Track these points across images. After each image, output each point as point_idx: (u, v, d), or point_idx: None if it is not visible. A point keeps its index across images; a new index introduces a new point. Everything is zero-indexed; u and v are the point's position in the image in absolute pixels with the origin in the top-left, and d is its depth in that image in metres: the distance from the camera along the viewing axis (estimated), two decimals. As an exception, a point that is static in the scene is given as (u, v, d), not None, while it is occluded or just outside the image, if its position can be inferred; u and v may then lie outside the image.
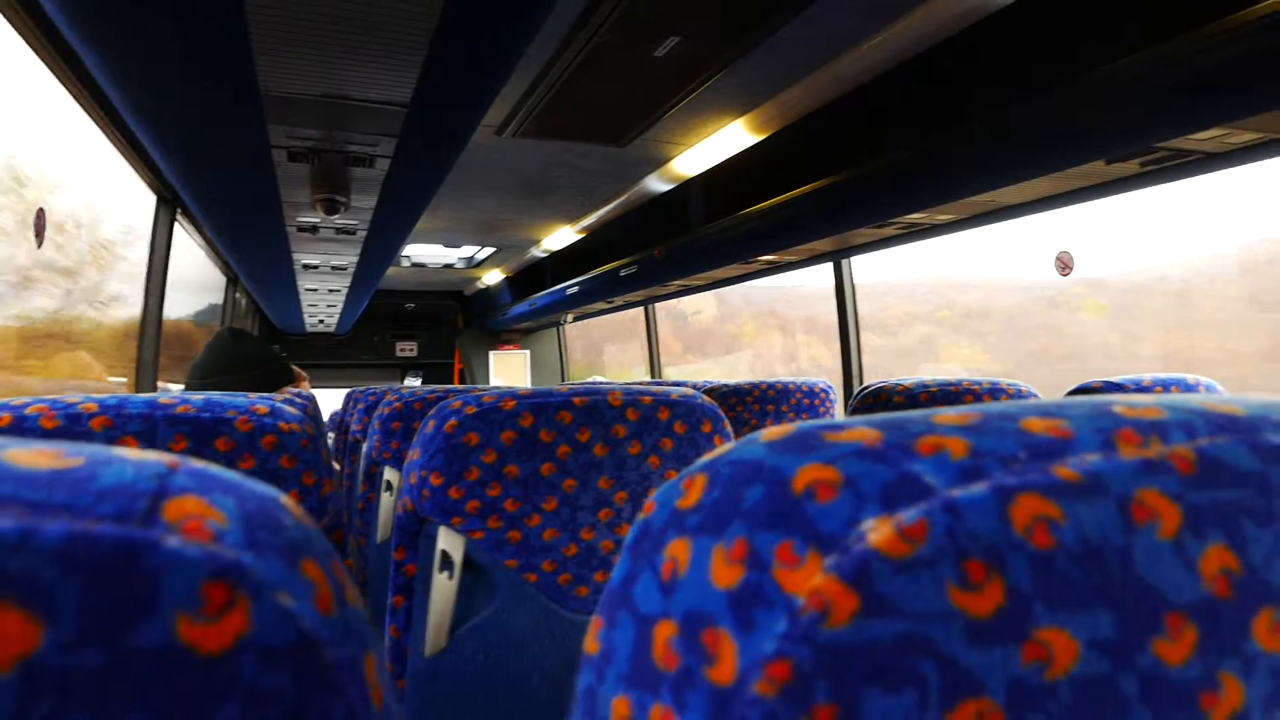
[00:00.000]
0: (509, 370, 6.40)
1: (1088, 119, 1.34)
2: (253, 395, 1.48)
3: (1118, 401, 0.29)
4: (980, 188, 1.67)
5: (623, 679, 0.27)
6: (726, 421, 1.02)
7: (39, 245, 1.71)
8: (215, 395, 0.88)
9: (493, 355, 6.42)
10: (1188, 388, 1.56)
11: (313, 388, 4.67)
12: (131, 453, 0.23)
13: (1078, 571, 0.24)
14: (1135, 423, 0.27)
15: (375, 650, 0.25)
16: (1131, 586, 0.24)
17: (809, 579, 0.23)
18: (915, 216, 2.10)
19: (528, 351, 6.42)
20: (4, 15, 1.33)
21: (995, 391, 1.56)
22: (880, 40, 1.72)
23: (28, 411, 0.80)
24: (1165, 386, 1.54)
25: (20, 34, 1.40)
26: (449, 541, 0.94)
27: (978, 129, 1.56)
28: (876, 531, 0.23)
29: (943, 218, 2.14)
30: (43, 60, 1.53)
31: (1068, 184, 1.76)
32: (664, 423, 0.97)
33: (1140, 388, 1.53)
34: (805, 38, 1.71)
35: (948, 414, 0.28)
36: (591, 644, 0.30)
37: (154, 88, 1.26)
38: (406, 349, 6.63)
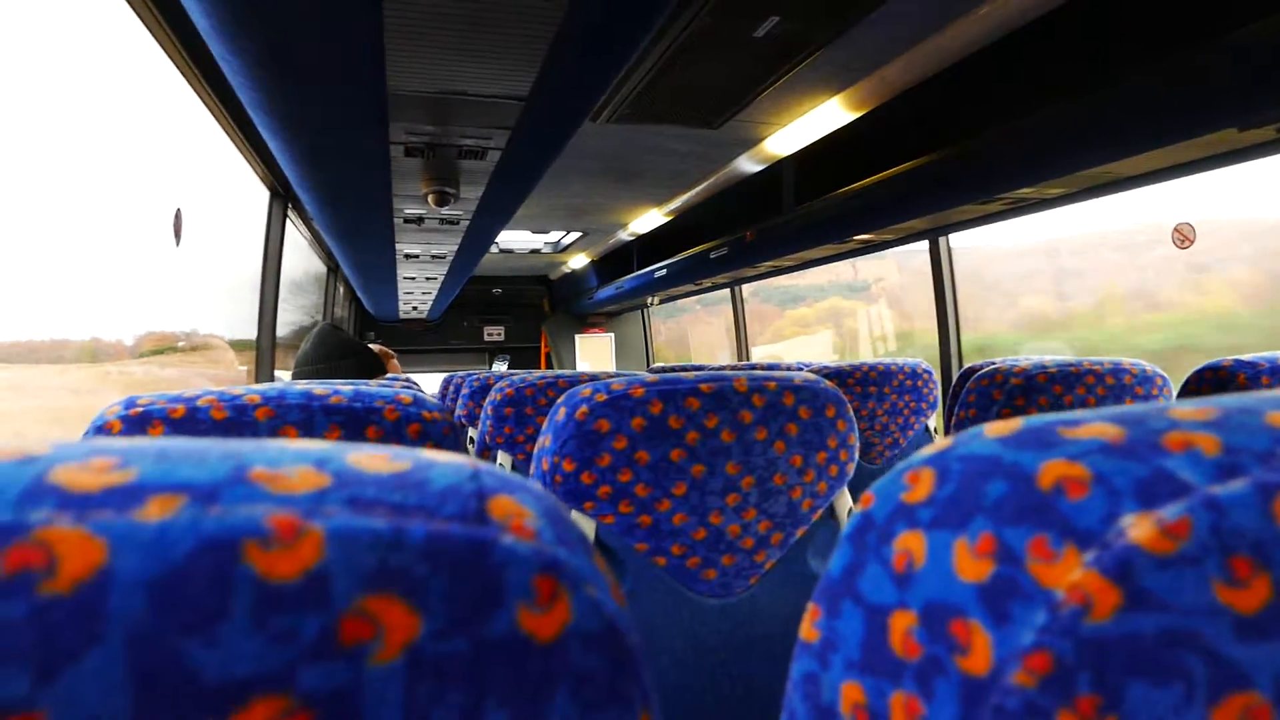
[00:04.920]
0: (595, 354, 6.48)
1: (1224, 84, 1.27)
2: (374, 383, 1.55)
3: None
4: (1101, 160, 1.60)
5: (853, 666, 0.29)
6: (849, 406, 1.02)
7: (177, 244, 1.83)
8: (361, 386, 0.92)
9: (578, 339, 6.51)
10: (1329, 366, 1.46)
11: (404, 372, 4.82)
12: (436, 454, 0.26)
13: None
14: None
15: None
16: None
17: (1068, 573, 0.24)
18: (1023, 191, 2.02)
19: (612, 335, 6.48)
20: (149, 30, 1.42)
21: (1118, 371, 1.50)
22: (986, 10, 1.66)
23: (199, 404, 0.86)
24: (1303, 364, 1.45)
25: (161, 45, 1.50)
26: (582, 525, 0.97)
27: (1096, 99, 1.50)
28: (1137, 528, 0.24)
29: (1053, 192, 2.06)
30: (179, 68, 1.63)
31: (1194, 152, 1.66)
32: (789, 408, 0.98)
33: (1275, 365, 1.44)
34: (907, 11, 1.66)
35: (1183, 409, 0.28)
36: (809, 631, 0.31)
37: (289, 94, 1.33)
38: (494, 333, 6.79)
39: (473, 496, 0.23)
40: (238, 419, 0.86)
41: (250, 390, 0.89)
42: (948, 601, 0.26)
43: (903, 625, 0.27)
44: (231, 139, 2.22)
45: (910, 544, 0.28)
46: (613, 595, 0.24)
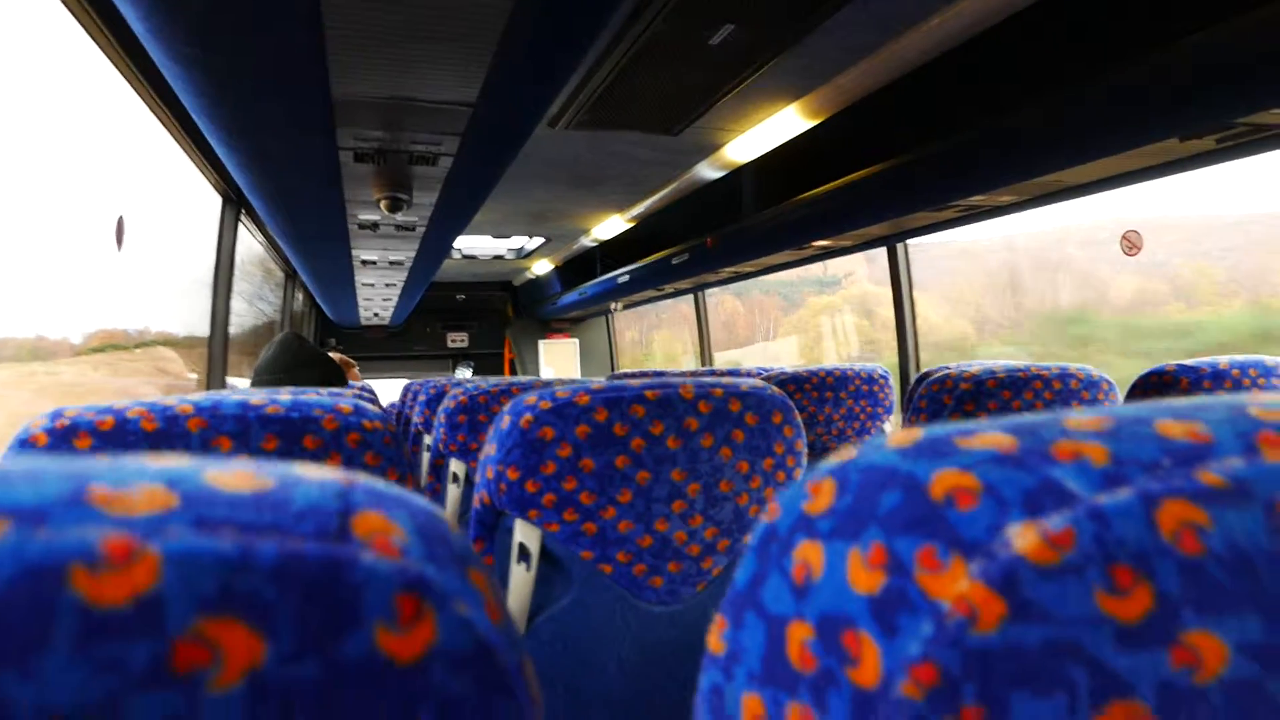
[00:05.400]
0: (559, 359, 6.46)
1: (1165, 95, 1.30)
2: (323, 391, 1.53)
3: (1250, 402, 0.29)
4: (1048, 168, 1.63)
5: (754, 678, 0.28)
6: (796, 412, 1.02)
7: (119, 249, 1.79)
8: (302, 396, 0.90)
9: (542, 344, 6.49)
10: (1267, 370, 1.50)
11: (368, 379, 4.72)
12: (308, 470, 0.25)
13: (1226, 576, 0.24)
14: (1275, 425, 0.27)
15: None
16: None
17: (954, 584, 0.24)
18: (976, 198, 2.06)
19: (577, 340, 6.47)
20: (88, 32, 1.38)
21: (1065, 376, 1.53)
22: (939, 21, 1.68)
23: (129, 415, 0.83)
24: (1242, 369, 1.49)
25: (102, 49, 1.46)
26: (526, 534, 0.96)
27: (1045, 109, 1.53)
28: (1022, 538, 0.24)
29: (1005, 199, 2.10)
30: (123, 74, 1.59)
31: (1138, 161, 1.71)
32: (735, 414, 0.98)
33: (1217, 370, 1.48)
34: (862, 20, 1.68)
35: (1077, 418, 0.28)
36: (716, 643, 0.31)
37: (232, 100, 1.30)
38: (458, 340, 6.74)
39: (335, 514, 0.22)
40: (169, 430, 0.84)
41: (183, 400, 0.86)
42: (841, 613, 0.25)
43: (799, 636, 0.27)
44: (180, 144, 2.17)
45: (809, 554, 0.28)
46: (489, 613, 0.23)
